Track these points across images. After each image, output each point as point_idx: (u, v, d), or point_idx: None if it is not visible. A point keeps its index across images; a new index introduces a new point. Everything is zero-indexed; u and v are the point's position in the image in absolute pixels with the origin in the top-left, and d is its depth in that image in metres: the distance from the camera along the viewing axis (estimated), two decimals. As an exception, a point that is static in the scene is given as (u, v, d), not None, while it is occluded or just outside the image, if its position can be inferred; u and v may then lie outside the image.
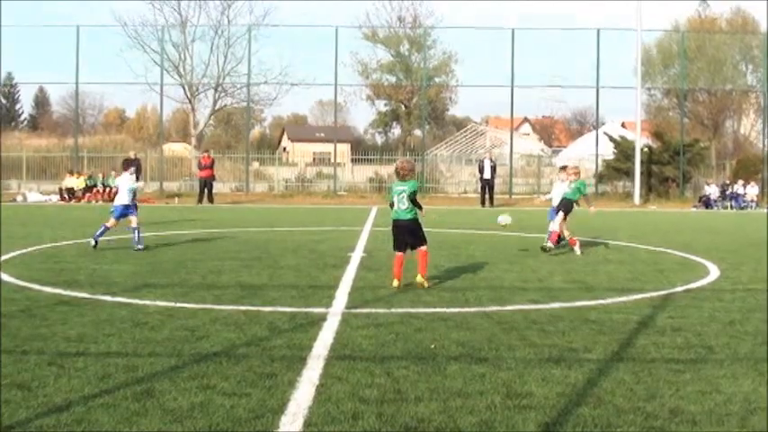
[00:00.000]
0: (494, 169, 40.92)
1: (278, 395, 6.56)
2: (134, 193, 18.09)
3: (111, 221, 17.67)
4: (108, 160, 49.35)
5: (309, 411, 6.16)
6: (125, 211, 17.67)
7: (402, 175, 12.34)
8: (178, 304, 10.70)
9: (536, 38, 44.48)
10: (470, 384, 6.91)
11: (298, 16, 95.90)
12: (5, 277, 13.14)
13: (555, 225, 17.43)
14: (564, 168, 18.82)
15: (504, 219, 17.05)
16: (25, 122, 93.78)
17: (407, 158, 14.53)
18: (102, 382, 6.92)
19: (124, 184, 18.07)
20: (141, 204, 20.17)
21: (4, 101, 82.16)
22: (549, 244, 17.10)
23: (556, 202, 18.00)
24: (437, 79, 61.68)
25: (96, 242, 17.38)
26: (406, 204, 12.17)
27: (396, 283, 12.18)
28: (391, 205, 12.43)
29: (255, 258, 15.98)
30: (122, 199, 17.83)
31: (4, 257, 15.82)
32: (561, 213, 17.41)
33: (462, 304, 10.93)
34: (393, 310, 10.36)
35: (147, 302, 10.80)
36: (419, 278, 12.26)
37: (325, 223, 25.50)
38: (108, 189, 41.14)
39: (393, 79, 63.52)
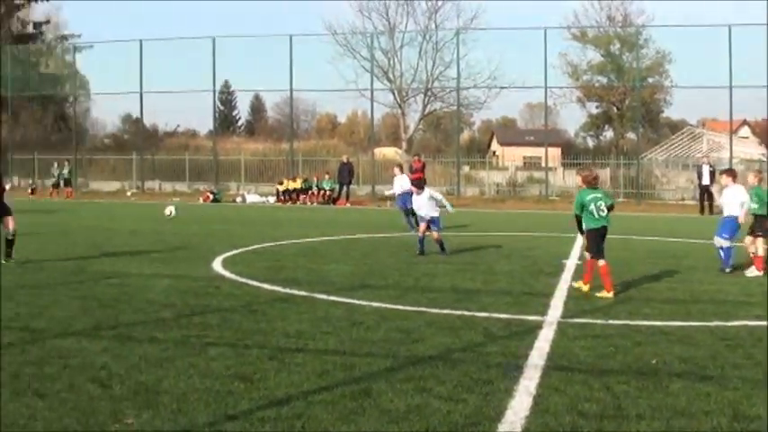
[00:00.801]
0: (712, 175, 39.27)
1: (494, 403, 6.65)
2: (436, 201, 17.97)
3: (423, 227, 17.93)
4: (321, 164, 51.11)
5: (527, 421, 6.21)
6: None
7: (594, 184, 12.88)
8: (393, 306, 11.02)
9: (755, 34, 41.84)
10: (694, 403, 6.72)
11: (505, 18, 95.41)
12: (228, 274, 14.02)
13: (755, 248, 15.19)
14: (728, 172, 16.47)
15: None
16: (242, 128, 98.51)
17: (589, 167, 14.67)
18: (320, 379, 7.27)
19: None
20: (353, 206, 20.73)
21: (222, 107, 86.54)
22: (753, 272, 14.94)
23: (728, 212, 15.63)
24: (650, 80, 59.82)
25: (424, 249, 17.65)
26: (606, 211, 12.56)
27: (587, 288, 12.55)
28: (578, 216, 12.75)
29: (469, 263, 16.15)
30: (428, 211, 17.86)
31: (226, 255, 16.82)
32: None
33: (684, 317, 10.61)
34: (611, 321, 10.23)
35: (363, 303, 11.20)
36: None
37: (537, 229, 25.39)
38: (322, 191, 42.64)
39: (604, 80, 62.17)
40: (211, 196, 43.41)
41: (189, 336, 9.05)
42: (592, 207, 12.55)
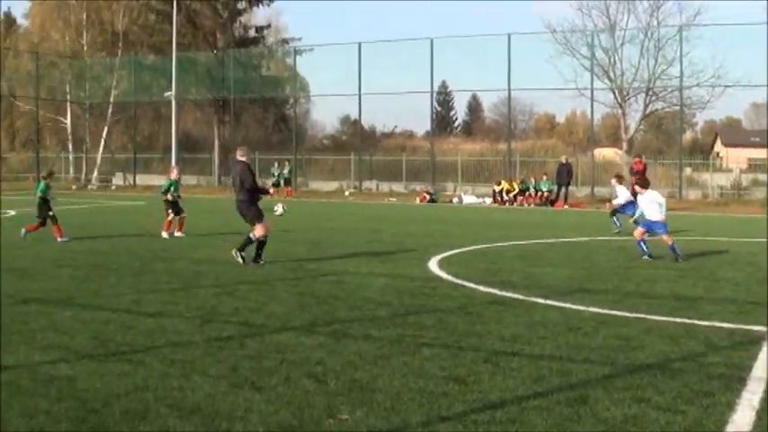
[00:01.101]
0: None
1: (715, 416, 6.41)
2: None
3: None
4: (539, 164, 50.65)
5: (749, 437, 5.95)
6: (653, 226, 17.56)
7: None
8: (612, 311, 10.78)
9: None
10: None
11: (729, 14, 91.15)
12: (444, 275, 14.13)
13: None
14: None
15: None
16: (459, 128, 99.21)
17: None
18: (535, 384, 7.21)
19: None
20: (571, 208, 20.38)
21: (439, 108, 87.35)
22: None
23: None
24: None
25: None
26: None
27: None
28: None
29: (691, 269, 15.54)
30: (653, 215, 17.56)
31: (442, 255, 16.97)
32: None
33: None
34: None
35: (581, 307, 11.01)
36: None
37: (762, 234, 24.06)
38: (540, 193, 42.26)
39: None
40: (428, 197, 43.89)
41: (404, 335, 9.18)
42: None
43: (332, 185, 53.71)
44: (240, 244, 15.40)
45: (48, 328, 9.42)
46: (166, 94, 53.12)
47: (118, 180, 59.25)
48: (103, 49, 64.73)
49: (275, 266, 15.14)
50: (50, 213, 20.04)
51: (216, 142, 60.14)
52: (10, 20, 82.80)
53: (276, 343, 8.71)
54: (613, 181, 24.75)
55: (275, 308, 10.81)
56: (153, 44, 63.03)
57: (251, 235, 15.33)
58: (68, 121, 65.96)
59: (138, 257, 16.54)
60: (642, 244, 16.99)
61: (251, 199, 15.38)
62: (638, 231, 17.28)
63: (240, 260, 15.15)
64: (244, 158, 15.68)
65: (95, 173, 61.18)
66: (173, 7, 52.59)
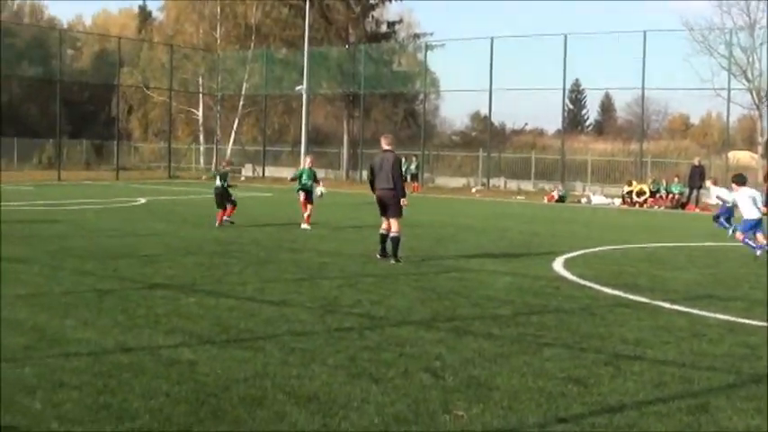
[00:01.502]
0: None
1: None
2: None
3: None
4: (671, 166, 49.46)
5: None
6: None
7: None
8: (739, 319, 10.48)
9: None
10: None
11: None
12: (568, 275, 13.98)
13: None
14: None
15: None
16: (590, 127, 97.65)
17: None
18: (656, 390, 7.08)
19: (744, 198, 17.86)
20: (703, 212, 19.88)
21: (571, 106, 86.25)
22: None
23: None
24: None
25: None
26: None
27: None
28: None
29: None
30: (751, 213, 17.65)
31: (568, 255, 16.78)
32: None
33: None
34: None
35: (707, 314, 10.74)
36: None
37: None
38: (671, 195, 41.27)
39: None
40: (556, 196, 43.43)
41: (525, 334, 9.13)
42: None
43: (459, 182, 53.64)
44: (393, 251, 15.10)
45: (172, 312, 9.72)
46: (297, 87, 53.93)
47: (247, 171, 60.47)
48: (236, 43, 66.12)
49: (398, 260, 15.20)
50: (231, 198, 21.37)
51: (345, 137, 60.81)
52: (145, 13, 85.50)
53: (396, 336, 8.78)
54: (709, 182, 24.50)
55: (397, 301, 10.89)
56: (285, 38, 64.04)
57: (393, 235, 15.10)
58: (200, 112, 67.76)
59: (263, 247, 16.89)
60: (748, 241, 16.77)
61: (398, 191, 15.23)
62: (739, 235, 17.52)
63: (400, 262, 14.89)
64: (390, 147, 15.41)
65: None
66: (306, 1, 53.35)
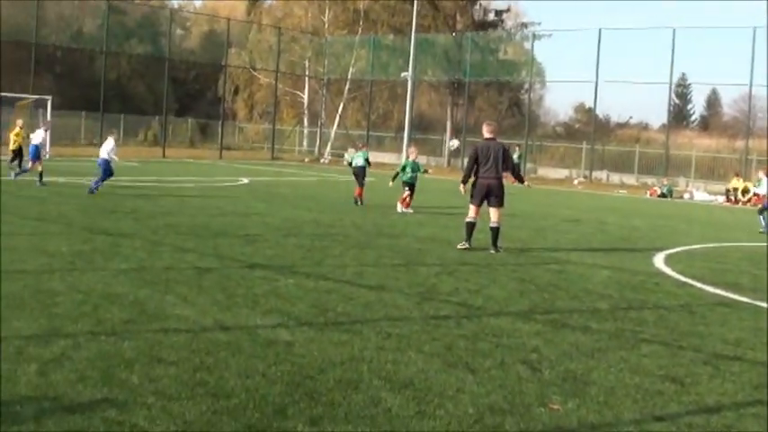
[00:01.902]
0: None
1: None
2: None
3: None
4: (777, 165, 48.22)
5: None
6: None
7: None
8: None
9: None
10: None
11: None
12: (669, 271, 13.73)
13: None
14: None
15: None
16: (696, 122, 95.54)
17: None
18: (756, 391, 6.93)
19: None
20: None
21: (677, 100, 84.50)
22: None
23: None
24: None
25: None
26: None
27: None
28: None
29: None
30: None
31: (669, 251, 16.49)
32: None
33: None
34: None
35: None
36: None
37: None
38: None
39: None
40: (659, 191, 42.68)
41: (623, 329, 9.01)
42: None
43: (561, 173, 53.13)
44: (493, 241, 15.00)
45: (270, 293, 9.85)
46: (403, 74, 54.03)
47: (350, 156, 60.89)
48: (344, 27, 66.50)
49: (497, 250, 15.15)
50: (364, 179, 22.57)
51: (448, 124, 60.73)
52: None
53: (493, 326, 8.75)
54: (761, 173, 23.89)
55: (494, 291, 10.85)
56: (393, 24, 64.18)
57: (495, 225, 14.95)
58: (306, 95, 68.36)
59: (363, 232, 16.99)
60: None
61: (512, 179, 15.30)
62: None
63: (500, 252, 14.82)
64: (494, 135, 15.24)
65: (328, 147, 63.08)
66: (414, -12, 53.36)
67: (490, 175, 14.94)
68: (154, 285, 9.93)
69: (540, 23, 73.14)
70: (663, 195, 42.06)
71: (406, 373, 6.83)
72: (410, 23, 54.32)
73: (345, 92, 64.66)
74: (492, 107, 68.11)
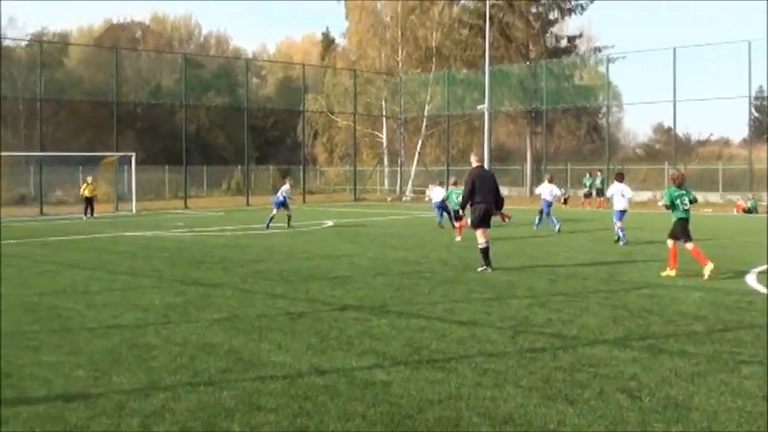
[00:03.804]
0: None
1: None
2: None
3: None
4: None
5: None
6: None
7: (680, 183, 15.81)
8: None
9: None
10: None
11: None
12: (762, 289, 13.42)
13: None
14: None
15: None
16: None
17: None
18: None
19: None
20: None
21: (756, 114, 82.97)
22: None
23: None
24: None
25: None
26: (688, 204, 15.70)
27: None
28: (667, 206, 15.79)
29: None
30: None
31: (760, 269, 16.12)
32: None
33: None
34: None
35: None
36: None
37: None
38: None
39: None
40: (744, 207, 41.79)
41: (721, 352, 8.84)
42: (677, 202, 15.58)
43: (644, 195, 52.35)
44: (482, 258, 16.30)
45: (364, 334, 9.89)
46: (479, 106, 54.01)
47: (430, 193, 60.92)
48: (418, 65, 66.87)
49: (586, 277, 15.00)
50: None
51: (528, 153, 60.49)
52: (328, 39, 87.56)
53: (589, 356, 8.65)
54: None
55: (588, 320, 10.73)
56: (466, 58, 64.37)
57: (482, 244, 16.28)
58: (384, 135, 68.78)
59: (450, 267, 16.96)
60: None
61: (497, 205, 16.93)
62: None
63: (489, 269, 16.11)
64: (481, 164, 17.25)
65: (409, 185, 63.27)
66: (485, 21, 53.48)
67: (487, 200, 16.51)
68: (248, 333, 10.05)
69: (613, 46, 72.54)
70: (748, 211, 41.17)
71: (505, 408, 6.79)
72: (483, 56, 54.38)
73: (423, 129, 64.89)
74: (571, 133, 67.75)
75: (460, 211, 22.49)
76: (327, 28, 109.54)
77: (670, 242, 15.74)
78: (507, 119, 66.72)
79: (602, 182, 47.71)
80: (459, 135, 67.51)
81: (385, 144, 69.09)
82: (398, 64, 67.41)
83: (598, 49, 64.84)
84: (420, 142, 64.99)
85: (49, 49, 64.38)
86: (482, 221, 16.47)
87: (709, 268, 14.79)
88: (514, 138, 70.57)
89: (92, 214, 38.40)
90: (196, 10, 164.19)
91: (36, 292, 13.98)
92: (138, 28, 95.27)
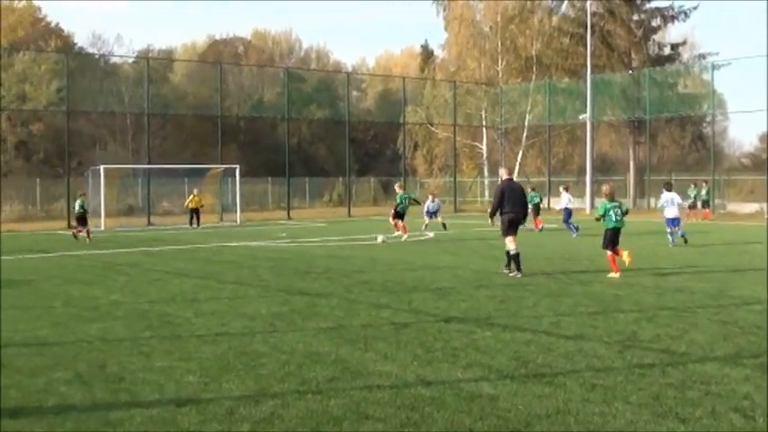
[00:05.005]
0: None
1: None
2: None
3: None
4: None
5: None
6: None
7: (612, 197, 17.91)
8: None
9: None
10: None
11: None
12: None
13: None
14: None
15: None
16: None
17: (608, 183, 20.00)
18: None
19: None
20: None
21: None
22: None
23: None
24: None
25: None
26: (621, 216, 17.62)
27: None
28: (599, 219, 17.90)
29: None
30: None
31: None
32: None
33: None
34: None
35: None
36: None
37: None
38: None
39: None
40: None
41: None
42: (611, 213, 17.52)
43: (751, 207, 51.03)
44: (518, 265, 17.49)
45: (469, 346, 9.86)
46: (581, 116, 53.52)
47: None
48: (518, 75, 66.53)
49: (695, 291, 14.69)
50: None
51: (631, 164, 59.58)
52: (427, 51, 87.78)
53: (699, 373, 8.46)
54: None
55: (697, 336, 10.49)
56: (567, 67, 63.76)
57: (513, 250, 17.57)
58: (484, 146, 68.56)
59: (554, 279, 16.80)
60: None
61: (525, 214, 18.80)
62: None
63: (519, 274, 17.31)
64: (511, 176, 18.74)
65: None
66: (586, 30, 52.93)
67: (515, 210, 17.82)
68: (353, 343, 10.14)
69: (717, 53, 71.11)
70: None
71: (614, 425, 6.70)
72: (584, 65, 53.87)
73: (524, 139, 64.53)
74: (674, 143, 66.52)
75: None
76: (426, 40, 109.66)
77: (608, 251, 17.47)
78: (609, 128, 65.86)
79: (708, 192, 46.62)
80: (560, 145, 66.89)
81: (485, 155, 68.85)
82: (498, 74, 67.18)
83: (702, 56, 63.50)
84: (521, 152, 64.58)
85: (154, 65, 65.92)
86: (510, 229, 17.71)
87: (614, 275, 16.88)
88: (617, 148, 69.60)
89: (198, 224, 39.35)
90: (296, 25, 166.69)
91: (147, 299, 14.37)
92: (240, 43, 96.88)
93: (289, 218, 48.08)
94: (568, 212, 31.37)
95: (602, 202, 18.01)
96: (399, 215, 29.75)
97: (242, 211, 45.92)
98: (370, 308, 13.14)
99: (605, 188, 18.50)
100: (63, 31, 78.36)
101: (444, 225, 33.57)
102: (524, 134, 64.29)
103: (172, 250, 25.76)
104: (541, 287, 15.52)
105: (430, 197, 34.78)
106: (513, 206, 17.76)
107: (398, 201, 30.08)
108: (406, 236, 28.59)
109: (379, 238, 27.44)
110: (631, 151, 60.32)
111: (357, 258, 21.84)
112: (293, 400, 7.54)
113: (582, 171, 55.67)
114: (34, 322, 12.17)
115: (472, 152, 71.53)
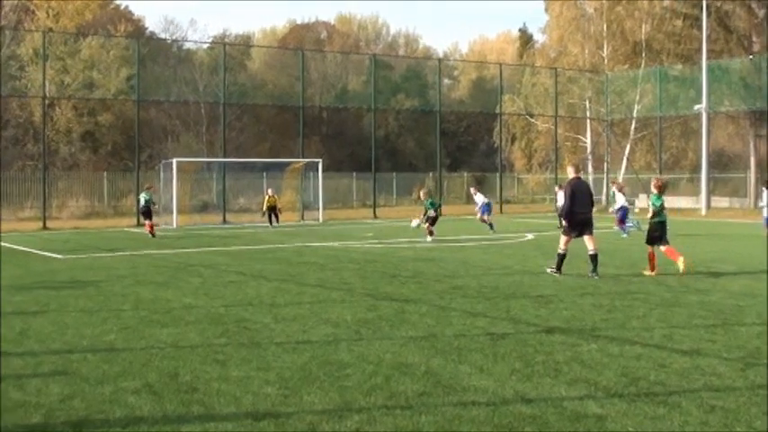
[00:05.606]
0: None
1: None
2: None
3: None
4: None
5: None
6: None
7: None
8: None
9: None
10: None
11: None
12: None
13: None
14: None
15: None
16: None
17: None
18: None
19: None
20: None
21: None
22: None
23: None
24: None
25: None
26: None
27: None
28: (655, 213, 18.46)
29: None
30: None
31: None
32: None
33: None
34: None
35: None
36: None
37: None
38: None
39: None
40: None
41: None
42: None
43: None
44: (594, 266, 18.21)
45: (572, 360, 9.73)
46: (696, 106, 52.63)
47: (641, 202, 59.69)
48: (625, 62, 65.61)
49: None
50: None
51: (752, 159, 58.36)
52: (526, 36, 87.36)
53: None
54: None
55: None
56: (680, 52, 62.77)
57: (592, 252, 18.23)
58: (588, 139, 67.81)
59: (668, 287, 16.45)
60: None
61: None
62: None
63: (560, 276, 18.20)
64: (579, 174, 18.99)
65: (616, 194, 61.96)
66: (702, 10, 52.01)
67: (586, 210, 18.48)
68: (446, 354, 10.08)
69: None
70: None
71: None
72: (699, 50, 53.00)
73: (632, 132, 63.61)
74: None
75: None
76: (525, 24, 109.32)
77: (661, 247, 18.64)
78: (727, 120, 64.55)
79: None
80: (672, 139, 65.85)
81: (589, 149, 68.10)
82: (604, 60, 66.33)
83: None
84: (628, 146, 63.69)
85: (231, 52, 66.74)
86: (575, 230, 18.39)
87: (649, 274, 18.27)
88: (736, 142, 68.27)
89: (277, 221, 39.64)
90: (382, 9, 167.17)
91: (222, 303, 14.53)
92: (323, 28, 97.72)
93: (374, 216, 48.25)
94: (624, 212, 31.36)
95: (654, 195, 18.79)
96: (433, 221, 29.98)
97: (324, 208, 46.16)
98: (463, 316, 13.06)
99: (656, 181, 19.38)
100: (133, 14, 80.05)
101: (491, 225, 34.32)
102: (632, 126, 63.37)
103: (249, 250, 26.05)
104: (652, 296, 15.25)
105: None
106: (582, 206, 18.38)
107: (428, 206, 30.21)
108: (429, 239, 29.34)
109: (414, 222, 29.70)
110: (752, 145, 59.08)
111: (448, 261, 21.79)
112: (380, 415, 7.52)
113: (696, 168, 54.71)
114: (101, 326, 12.38)
115: (575, 146, 70.77)
